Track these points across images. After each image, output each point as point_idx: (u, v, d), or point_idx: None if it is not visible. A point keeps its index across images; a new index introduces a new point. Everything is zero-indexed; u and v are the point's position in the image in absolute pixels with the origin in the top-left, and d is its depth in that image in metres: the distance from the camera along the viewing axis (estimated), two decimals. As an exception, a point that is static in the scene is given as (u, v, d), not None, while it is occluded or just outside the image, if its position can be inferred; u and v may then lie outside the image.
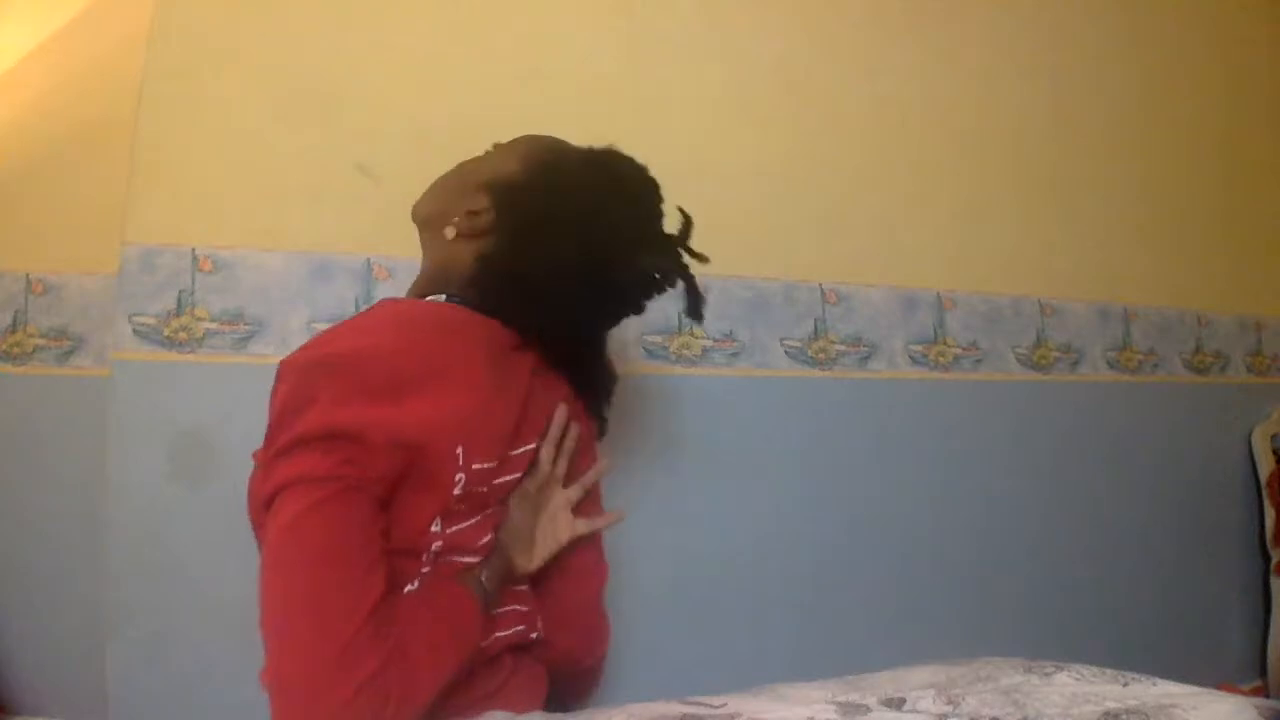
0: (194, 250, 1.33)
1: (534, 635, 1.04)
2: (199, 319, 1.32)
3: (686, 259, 1.12)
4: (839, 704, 0.88)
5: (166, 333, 1.31)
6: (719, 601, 1.54)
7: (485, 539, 0.98)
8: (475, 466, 0.92)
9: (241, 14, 1.41)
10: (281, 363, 0.89)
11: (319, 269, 1.39)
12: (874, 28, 1.88)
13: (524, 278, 1.01)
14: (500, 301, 1.02)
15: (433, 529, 0.91)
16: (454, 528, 0.94)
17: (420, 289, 1.11)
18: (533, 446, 1.05)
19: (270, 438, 0.86)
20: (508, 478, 1.02)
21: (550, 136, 1.13)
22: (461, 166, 1.15)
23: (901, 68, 1.90)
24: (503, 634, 1.00)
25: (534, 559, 1.04)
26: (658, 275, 1.09)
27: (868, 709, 0.87)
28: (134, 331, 1.29)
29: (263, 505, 0.85)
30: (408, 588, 0.89)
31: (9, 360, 1.68)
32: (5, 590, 1.66)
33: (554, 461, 1.07)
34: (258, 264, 1.36)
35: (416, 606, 0.88)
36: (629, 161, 1.11)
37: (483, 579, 0.96)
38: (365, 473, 0.84)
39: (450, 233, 1.06)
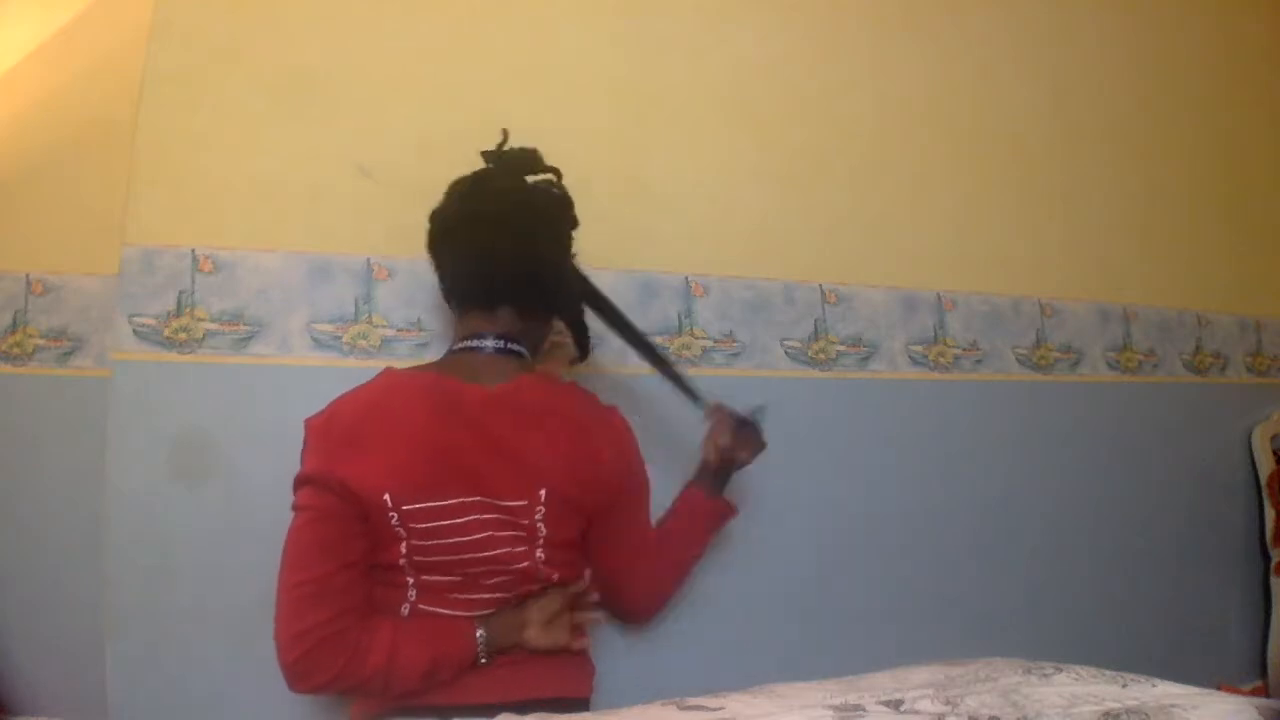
0: (194, 251, 1.33)
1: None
2: (199, 319, 1.32)
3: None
4: (834, 706, 0.88)
5: (166, 333, 1.31)
6: (718, 601, 1.54)
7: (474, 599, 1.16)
8: (405, 507, 1.11)
9: (241, 14, 1.41)
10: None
11: (319, 269, 1.39)
12: (874, 28, 1.88)
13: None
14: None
15: (407, 578, 1.14)
16: (427, 577, 1.14)
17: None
18: (472, 500, 1.15)
19: None
20: (454, 520, 1.14)
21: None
22: None
23: (901, 68, 1.90)
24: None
25: (536, 640, 1.19)
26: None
27: (864, 710, 0.86)
28: (134, 332, 1.29)
29: None
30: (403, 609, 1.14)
31: (9, 361, 1.68)
32: (5, 590, 1.66)
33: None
34: (258, 264, 1.36)
35: (411, 621, 1.14)
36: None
37: (490, 622, 1.16)
38: (341, 508, 1.09)
39: None
